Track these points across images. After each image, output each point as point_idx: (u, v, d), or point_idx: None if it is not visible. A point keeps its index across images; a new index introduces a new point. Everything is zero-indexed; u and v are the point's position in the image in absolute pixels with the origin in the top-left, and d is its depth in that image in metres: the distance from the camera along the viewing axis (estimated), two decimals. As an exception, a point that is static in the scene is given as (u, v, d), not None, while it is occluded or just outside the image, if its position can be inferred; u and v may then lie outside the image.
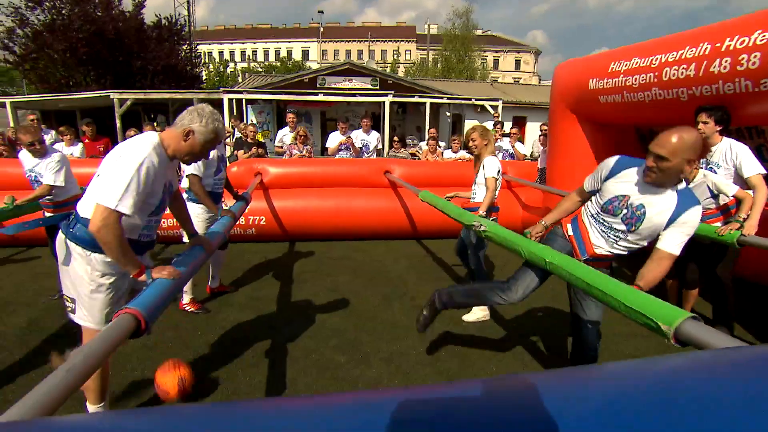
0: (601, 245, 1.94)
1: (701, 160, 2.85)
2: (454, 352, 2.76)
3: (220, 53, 50.18)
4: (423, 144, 6.35)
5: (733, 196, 2.72)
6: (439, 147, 6.54)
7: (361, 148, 6.16)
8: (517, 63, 49.16)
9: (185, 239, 2.27)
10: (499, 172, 3.16)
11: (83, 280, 1.73)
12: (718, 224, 2.74)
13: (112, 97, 12.55)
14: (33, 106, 13.85)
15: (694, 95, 3.25)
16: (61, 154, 3.21)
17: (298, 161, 5.62)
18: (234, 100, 12.44)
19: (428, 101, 13.30)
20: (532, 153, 7.53)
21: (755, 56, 2.81)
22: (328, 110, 14.79)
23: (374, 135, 6.33)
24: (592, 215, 1.98)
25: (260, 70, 35.80)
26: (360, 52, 50.68)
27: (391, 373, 2.52)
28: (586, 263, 1.82)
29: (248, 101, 12.98)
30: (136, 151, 1.61)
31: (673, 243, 1.75)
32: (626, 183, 1.86)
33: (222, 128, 1.82)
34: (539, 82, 34.39)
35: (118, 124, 12.38)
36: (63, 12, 16.78)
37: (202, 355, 2.68)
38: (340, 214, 5.16)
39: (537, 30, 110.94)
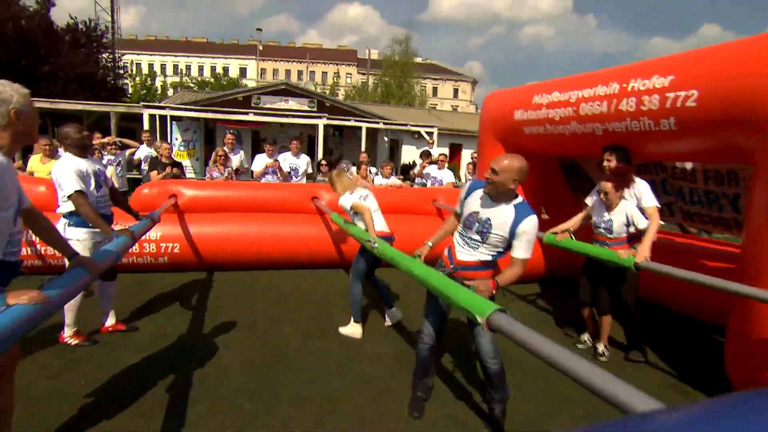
0: (465, 254, 2.31)
1: (626, 190, 3.21)
2: (371, 395, 2.59)
3: (150, 65, 47.68)
4: (354, 169, 6.24)
5: (642, 228, 3.06)
6: (371, 173, 6.47)
7: (289, 172, 5.96)
8: (455, 91, 51.71)
9: None
10: (352, 204, 3.41)
11: None
12: (622, 251, 3.05)
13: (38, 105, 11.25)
14: None
15: (608, 131, 3.43)
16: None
17: (219, 184, 5.28)
18: (157, 116, 11.66)
19: (364, 125, 13.39)
20: (465, 179, 7.72)
21: (655, 98, 3.03)
22: (261, 131, 14.38)
23: (304, 158, 6.15)
24: (458, 232, 2.40)
25: (192, 85, 34.35)
26: (300, 72, 50.61)
27: (301, 416, 2.33)
28: (456, 272, 2.28)
29: (174, 118, 12.24)
30: None
31: (520, 250, 2.17)
32: (476, 201, 2.30)
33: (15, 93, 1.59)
34: (476, 111, 36.36)
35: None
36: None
37: (86, 407, 2.31)
38: (265, 241, 4.89)
39: (474, 61, 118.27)
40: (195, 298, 4.09)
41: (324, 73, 51.35)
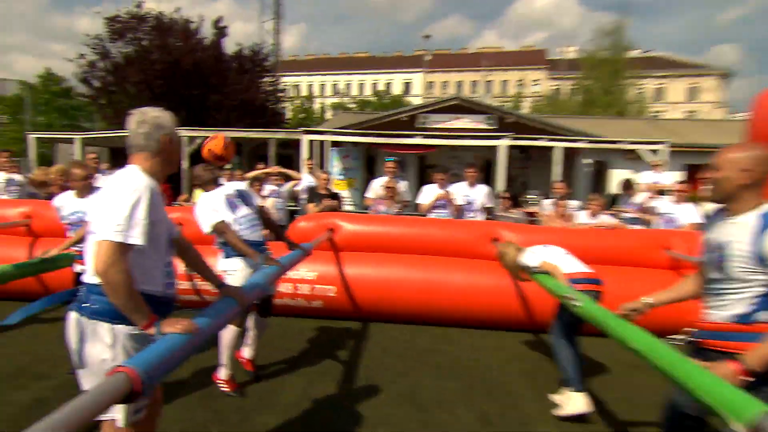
0: (712, 311, 2.02)
1: None
2: None
3: (309, 86, 55.57)
4: (547, 203, 6.11)
5: None
6: (569, 208, 6.23)
7: (463, 205, 6.14)
8: (692, 91, 46.62)
9: None
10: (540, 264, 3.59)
11: (103, 365, 1.81)
12: None
13: (181, 134, 14.40)
14: (101, 143, 16.35)
15: None
16: None
17: (381, 218, 5.77)
18: (315, 142, 13.39)
19: (559, 145, 12.98)
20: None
21: None
22: (428, 156, 15.17)
23: (482, 190, 6.29)
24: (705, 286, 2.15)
25: (352, 105, 38.65)
26: (474, 84, 52.39)
27: None
28: (700, 340, 2.02)
29: (333, 143, 13.88)
30: (130, 177, 1.86)
31: None
32: (711, 227, 2.10)
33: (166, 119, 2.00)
34: (728, 116, 31.85)
35: (185, 163, 14.02)
36: (143, 43, 20.17)
37: None
38: (432, 290, 5.11)
39: (725, 44, 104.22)
40: (349, 354, 4.43)
41: (504, 82, 52.15)
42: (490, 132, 13.87)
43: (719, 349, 1.92)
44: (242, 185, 3.75)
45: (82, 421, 1.12)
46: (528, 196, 11.27)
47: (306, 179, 7.64)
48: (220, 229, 3.32)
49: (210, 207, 3.39)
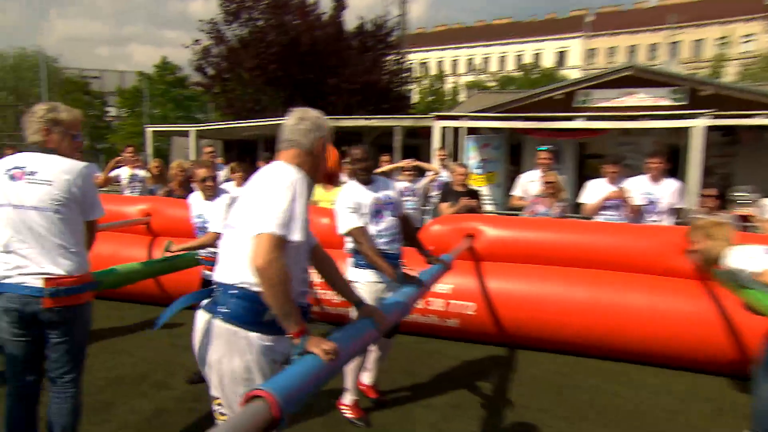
0: None
1: None
2: None
3: (439, 63, 56.07)
4: (766, 202, 5.55)
5: None
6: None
7: (643, 206, 5.81)
8: None
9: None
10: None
11: (234, 375, 2.02)
12: None
13: None
14: (215, 135, 17.97)
15: None
16: (232, 197, 4.06)
17: (532, 223, 5.63)
18: (448, 130, 13.41)
19: (781, 123, 11.69)
20: None
21: None
22: (591, 143, 14.49)
23: (670, 185, 5.89)
24: None
25: (492, 84, 38.29)
26: (653, 48, 49.13)
27: None
28: None
29: (469, 130, 13.80)
30: (285, 172, 2.07)
31: None
32: None
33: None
34: None
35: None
36: (258, 23, 21.78)
37: None
38: (600, 313, 4.86)
39: None
40: (491, 386, 4.40)
41: (696, 44, 48.21)
42: (678, 109, 12.93)
43: None
44: (393, 189, 3.85)
45: None
46: (736, 194, 10.27)
47: (441, 174, 7.69)
48: (357, 236, 3.48)
49: (352, 208, 3.53)
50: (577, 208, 6.34)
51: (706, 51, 46.08)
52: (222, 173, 8.08)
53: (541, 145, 7.20)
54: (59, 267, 2.58)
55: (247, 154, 16.12)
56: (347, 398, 3.74)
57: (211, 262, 4.04)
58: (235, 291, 2.01)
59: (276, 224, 1.89)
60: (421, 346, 5.11)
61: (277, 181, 2.02)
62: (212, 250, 3.97)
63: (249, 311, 1.98)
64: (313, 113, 2.26)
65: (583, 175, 12.86)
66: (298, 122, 2.22)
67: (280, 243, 1.89)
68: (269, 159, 7.55)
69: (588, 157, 14.86)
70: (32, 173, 2.56)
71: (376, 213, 3.62)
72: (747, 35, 46.06)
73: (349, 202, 3.53)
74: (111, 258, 5.35)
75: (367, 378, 3.98)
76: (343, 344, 1.95)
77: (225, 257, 2.11)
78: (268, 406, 1.43)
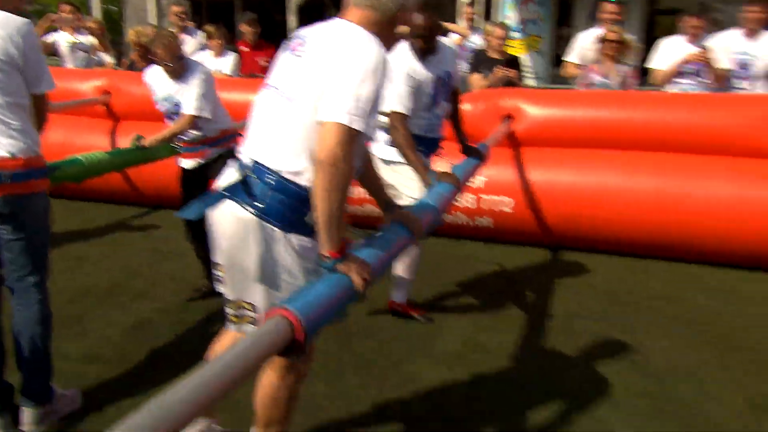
0: None
1: None
2: None
3: None
4: None
5: None
6: None
7: (730, 71, 5.45)
8: None
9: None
10: None
11: (266, 273, 1.98)
12: None
13: None
14: None
15: None
16: (207, 72, 3.82)
17: (587, 97, 5.30)
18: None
19: None
20: None
21: None
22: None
23: (768, 41, 5.31)
24: None
25: None
26: None
27: None
28: None
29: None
30: (370, 46, 1.88)
31: None
32: None
33: None
34: None
35: (293, 21, 14.05)
36: None
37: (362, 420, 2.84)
38: (671, 207, 4.68)
39: None
40: (533, 294, 4.33)
41: None
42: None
43: None
44: (452, 61, 3.70)
45: (241, 375, 1.22)
46: None
47: (474, 38, 7.30)
48: (398, 122, 3.33)
49: (409, 87, 3.37)
50: (645, 74, 5.98)
51: None
52: (194, 40, 7.59)
53: None
54: (0, 148, 2.38)
55: (219, 19, 15.09)
56: (398, 295, 3.81)
57: (190, 148, 3.94)
58: (276, 180, 1.91)
59: (355, 115, 1.76)
60: (451, 250, 4.99)
61: (361, 57, 1.83)
62: (192, 132, 3.86)
63: (290, 209, 1.91)
64: None
65: (653, 38, 12.30)
66: None
67: (353, 138, 1.77)
68: (251, 23, 7.01)
69: (660, 12, 13.91)
70: None
71: (435, 95, 3.47)
72: None
73: (406, 78, 3.32)
74: (64, 147, 5.06)
75: (398, 295, 3.95)
76: (375, 261, 1.90)
77: (268, 131, 1.97)
78: (292, 328, 1.41)
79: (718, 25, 5.96)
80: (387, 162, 3.51)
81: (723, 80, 5.53)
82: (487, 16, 11.74)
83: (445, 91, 3.54)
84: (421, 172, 3.21)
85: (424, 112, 3.45)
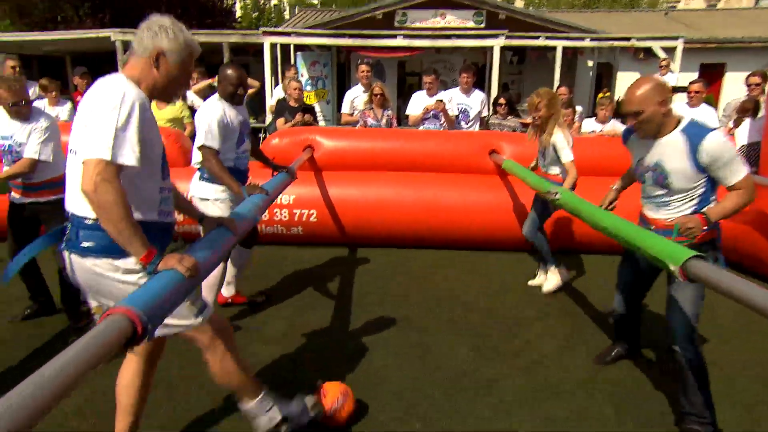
0: (658, 216, 2.62)
1: None
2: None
3: (261, -21, 52.47)
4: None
5: None
6: (577, 114, 6.37)
7: (457, 115, 6.17)
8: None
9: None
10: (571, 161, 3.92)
11: (126, 287, 1.84)
12: None
13: (113, 38, 12.75)
14: (9, 48, 13.95)
15: None
16: (51, 119, 3.51)
17: (364, 133, 5.76)
18: (279, 47, 12.87)
19: (560, 44, 12.88)
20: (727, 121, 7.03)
21: None
22: (408, 61, 14.87)
23: (477, 96, 6.32)
24: (641, 193, 2.76)
25: (315, 2, 37.07)
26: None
27: None
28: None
29: (298, 47, 13.39)
30: (115, 88, 1.76)
31: (730, 176, 2.36)
32: (636, 148, 2.68)
33: (194, 41, 1.96)
34: (755, 3, 31.33)
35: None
36: None
37: (220, 406, 2.77)
38: (424, 210, 5.22)
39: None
40: (337, 281, 4.61)
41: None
42: (480, 31, 13.62)
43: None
44: (244, 111, 3.68)
45: (80, 370, 1.13)
46: (525, 105, 11.39)
47: (278, 90, 7.44)
48: (210, 156, 3.32)
49: (221, 128, 3.35)
50: (403, 118, 6.55)
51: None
52: (30, 90, 6.82)
53: (364, 60, 7.24)
54: None
55: (50, 73, 13.80)
56: (226, 291, 3.91)
57: (25, 187, 3.52)
58: (85, 223, 1.82)
59: (103, 148, 1.67)
60: (272, 254, 5.14)
61: (105, 99, 1.74)
62: (31, 174, 3.45)
63: (101, 239, 1.78)
64: (162, 20, 1.91)
65: (404, 92, 13.23)
66: (143, 30, 1.90)
67: (109, 168, 1.67)
68: (83, 75, 6.48)
69: (407, 74, 15.35)
70: None
71: (241, 134, 3.54)
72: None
73: (219, 121, 3.33)
74: None
75: (227, 291, 3.96)
76: (203, 256, 1.87)
77: (71, 186, 1.86)
78: (130, 321, 1.34)
79: (444, 84, 6.65)
80: (201, 199, 3.50)
81: (452, 122, 6.17)
82: (283, 74, 11.99)
83: (248, 132, 3.65)
84: (235, 190, 3.29)
85: (234, 148, 3.51)
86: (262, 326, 3.76)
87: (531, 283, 4.57)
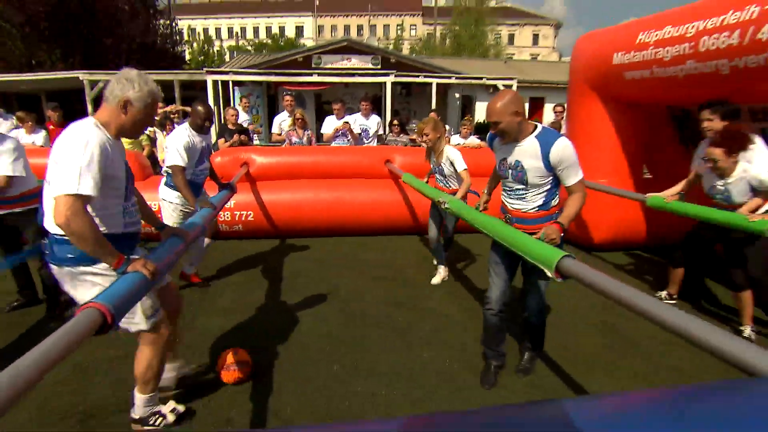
0: (518, 206, 2.44)
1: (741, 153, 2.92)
2: (470, 365, 2.70)
3: (205, 30, 49.94)
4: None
5: None
6: (448, 132, 6.47)
7: (360, 134, 6.14)
8: (535, 38, 48.72)
9: None
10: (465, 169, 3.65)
11: (97, 288, 1.76)
12: (751, 214, 2.85)
13: (81, 78, 12.20)
14: None
15: (737, 68, 3.17)
16: (16, 140, 3.09)
17: (288, 150, 5.59)
18: (220, 82, 12.36)
19: (435, 81, 13.19)
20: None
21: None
22: (323, 93, 14.70)
23: (374, 119, 6.28)
24: (502, 186, 2.56)
25: (249, 48, 35.70)
26: (360, 27, 50.39)
27: (395, 389, 2.46)
28: (516, 225, 2.40)
29: (235, 83, 12.90)
30: (82, 132, 1.68)
31: (569, 177, 2.25)
32: (499, 150, 2.47)
33: (156, 89, 1.87)
34: (559, 59, 34.06)
35: (90, 108, 12.28)
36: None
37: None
38: (338, 207, 5.16)
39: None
40: (273, 265, 4.42)
41: (386, 27, 50.66)
42: (377, 71, 13.70)
43: (531, 229, 2.28)
44: (207, 139, 3.60)
45: (56, 355, 1.09)
46: (412, 125, 11.56)
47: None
48: (177, 172, 3.25)
49: (186, 150, 3.29)
50: (320, 137, 6.36)
51: (392, 32, 48.73)
52: (8, 122, 6.16)
53: (288, 91, 7.11)
54: None
55: (27, 108, 12.46)
56: (189, 270, 3.82)
57: (3, 201, 3.10)
58: (57, 238, 1.72)
59: (69, 185, 1.57)
60: (221, 246, 4.88)
61: (73, 142, 1.65)
62: (7, 188, 3.04)
63: (78, 251, 1.70)
64: (130, 74, 1.81)
65: (320, 116, 13.01)
66: (113, 82, 1.79)
67: (76, 201, 1.58)
68: (55, 109, 5.91)
69: (323, 103, 15.11)
70: None
71: (202, 156, 3.47)
72: (413, 25, 49.68)
73: (185, 145, 3.29)
74: None
75: (190, 269, 3.86)
76: (161, 259, 1.84)
77: (47, 209, 1.74)
78: (101, 313, 1.31)
79: (350, 110, 6.58)
80: (162, 200, 3.52)
81: (356, 139, 6.10)
82: (227, 103, 11.45)
83: (208, 155, 3.59)
84: (191, 201, 3.20)
85: (193, 167, 3.43)
86: (211, 302, 3.57)
87: (433, 280, 4.05)
